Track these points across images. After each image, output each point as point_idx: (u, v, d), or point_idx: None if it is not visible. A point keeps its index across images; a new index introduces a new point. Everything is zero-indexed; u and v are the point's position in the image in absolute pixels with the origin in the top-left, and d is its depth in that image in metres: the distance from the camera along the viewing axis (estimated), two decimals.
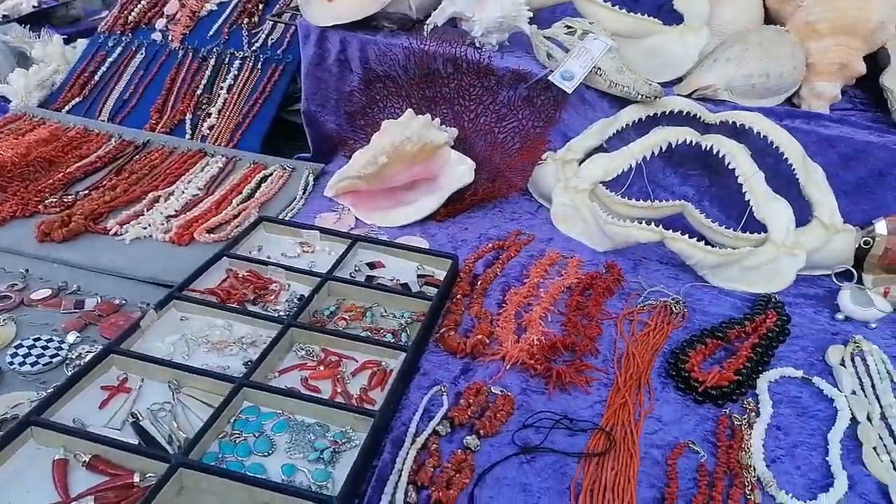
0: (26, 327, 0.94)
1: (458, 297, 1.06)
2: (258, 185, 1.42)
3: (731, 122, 1.28)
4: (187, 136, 1.61)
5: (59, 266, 1.09)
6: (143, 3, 1.83)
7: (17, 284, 1.02)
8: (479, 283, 1.11)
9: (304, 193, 1.42)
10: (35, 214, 1.22)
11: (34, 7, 2.68)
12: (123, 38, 1.78)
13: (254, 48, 1.73)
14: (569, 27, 1.42)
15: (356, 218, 1.35)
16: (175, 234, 1.19)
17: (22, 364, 0.87)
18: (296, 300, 1.03)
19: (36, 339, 0.91)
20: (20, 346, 0.89)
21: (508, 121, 1.45)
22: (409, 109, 1.36)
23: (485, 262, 1.19)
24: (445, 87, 1.48)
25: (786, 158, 1.24)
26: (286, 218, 1.32)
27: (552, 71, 1.38)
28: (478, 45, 1.47)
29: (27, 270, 1.05)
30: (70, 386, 0.80)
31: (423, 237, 1.29)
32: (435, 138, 1.34)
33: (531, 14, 1.46)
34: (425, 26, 1.49)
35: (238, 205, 1.33)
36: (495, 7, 1.43)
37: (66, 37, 2.12)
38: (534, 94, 1.43)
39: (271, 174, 1.46)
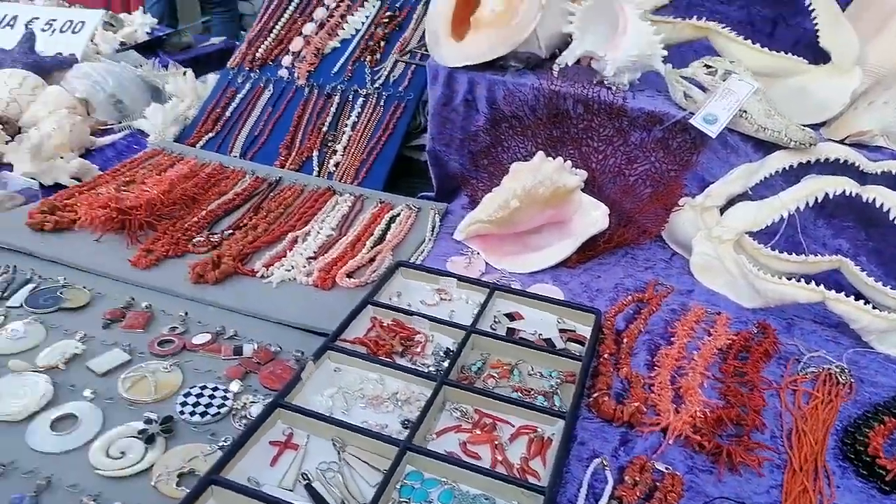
0: (190, 373, 0.98)
1: (605, 356, 1.03)
2: (388, 226, 1.44)
3: (894, 173, 1.20)
4: (315, 173, 1.65)
5: (213, 308, 1.13)
6: (269, 40, 1.90)
7: (177, 328, 1.07)
8: (624, 340, 1.08)
9: (432, 235, 1.43)
10: (185, 254, 1.28)
11: (148, 35, 2.85)
12: (252, 75, 1.86)
13: (376, 85, 1.76)
14: (709, 66, 1.37)
15: (486, 262, 1.35)
16: (318, 277, 1.22)
17: (192, 414, 0.90)
18: (442, 353, 1.03)
19: (202, 388, 0.94)
20: (188, 394, 0.93)
21: (640, 163, 1.42)
22: (541, 152, 1.34)
23: (625, 317, 1.16)
24: (574, 127, 1.46)
25: None
26: (418, 261, 1.33)
27: (692, 113, 1.33)
28: (608, 84, 1.45)
29: (186, 313, 1.10)
30: (243, 442, 0.82)
31: (556, 285, 1.26)
32: (567, 182, 1.32)
33: (666, 53, 1.42)
34: (554, 66, 1.47)
35: (371, 247, 1.35)
36: (629, 46, 1.40)
37: (176, 61, 2.25)
38: (669, 136, 1.39)
39: (399, 214, 1.48)
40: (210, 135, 1.76)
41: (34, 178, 1.46)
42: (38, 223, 1.27)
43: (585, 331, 1.09)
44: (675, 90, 1.40)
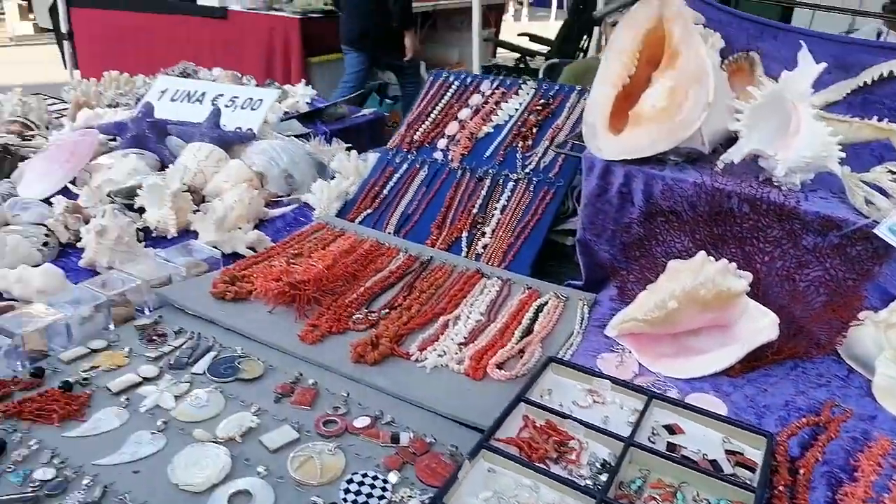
0: (352, 457, 1.01)
1: (780, 488, 0.96)
2: (536, 315, 1.44)
3: None
4: (463, 254, 1.70)
5: (371, 390, 1.18)
6: (426, 123, 2.01)
7: (340, 408, 1.12)
8: (800, 471, 0.99)
9: (580, 327, 1.41)
10: (346, 331, 1.35)
11: (308, 105, 3.11)
12: (409, 156, 1.96)
13: (527, 170, 1.80)
14: (894, 173, 1.28)
15: (639, 363, 1.30)
16: (469, 366, 1.24)
17: (355, 503, 0.93)
18: (598, 465, 1.00)
19: (364, 475, 0.97)
20: (350, 480, 0.96)
21: (812, 268, 1.33)
22: (702, 252, 1.30)
23: (799, 441, 1.07)
24: (737, 226, 1.40)
25: None
26: (567, 354, 1.32)
27: (875, 221, 1.24)
28: (777, 183, 1.39)
29: (348, 394, 1.15)
30: None
31: (717, 396, 1.20)
32: (732, 286, 1.26)
33: (843, 154, 1.35)
34: (718, 162, 1.44)
35: (521, 337, 1.35)
36: (802, 146, 1.34)
37: (332, 130, 2.43)
38: (847, 242, 1.30)
39: (547, 303, 1.48)
40: (368, 211, 1.87)
41: (216, 247, 1.61)
42: (221, 293, 1.39)
43: (754, 454, 1.02)
44: (855, 195, 1.31)
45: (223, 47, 5.13)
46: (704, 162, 1.50)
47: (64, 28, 6.26)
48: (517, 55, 6.63)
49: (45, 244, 1.53)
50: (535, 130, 1.88)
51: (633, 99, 1.54)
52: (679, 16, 1.46)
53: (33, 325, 1.18)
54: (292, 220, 1.88)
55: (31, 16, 10.18)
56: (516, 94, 1.97)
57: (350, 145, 2.38)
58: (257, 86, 3.20)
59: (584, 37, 6.23)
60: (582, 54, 6.32)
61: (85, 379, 1.12)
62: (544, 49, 6.71)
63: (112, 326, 1.28)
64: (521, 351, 1.31)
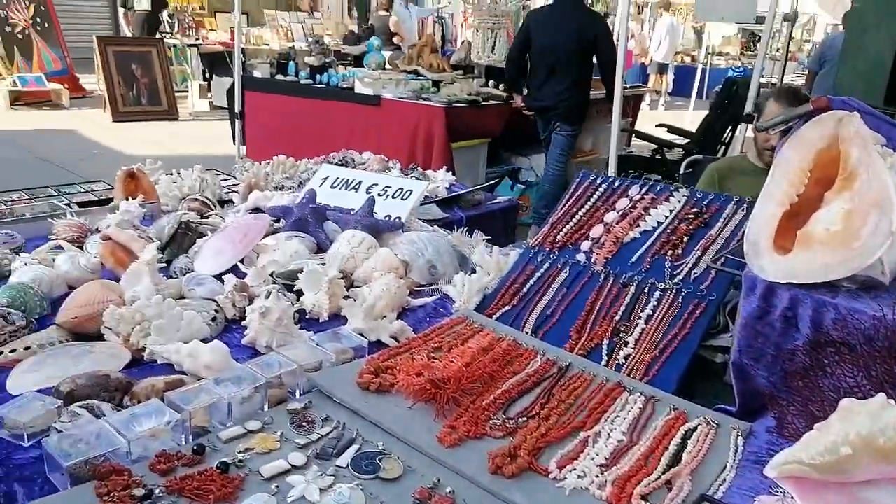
0: None
1: None
2: (683, 441, 1.35)
3: None
4: (603, 362, 1.65)
5: None
6: (571, 223, 2.01)
7: None
8: None
9: (734, 461, 1.31)
10: (483, 436, 1.33)
11: (447, 190, 3.22)
12: (551, 256, 1.97)
13: (675, 281, 1.74)
14: None
15: None
16: (612, 493, 1.18)
17: None
18: None
19: None
20: None
21: None
22: (882, 395, 1.16)
23: None
24: None
25: None
26: (718, 492, 1.22)
27: None
28: None
29: None
30: None
31: None
32: None
33: None
34: None
35: (666, 465, 1.27)
36: None
37: (468, 215, 2.49)
38: None
39: (695, 428, 1.39)
40: (507, 308, 1.88)
41: (362, 334, 1.67)
42: (366, 383, 1.44)
43: None
44: None
45: (375, 130, 5.53)
46: (882, 290, 1.37)
47: (237, 108, 7.04)
48: (654, 146, 6.56)
49: (214, 319, 1.67)
50: (685, 239, 1.82)
51: (799, 218, 1.46)
52: (857, 136, 1.38)
53: (200, 402, 1.27)
54: (432, 310, 1.93)
55: (209, 95, 11.58)
56: (667, 200, 1.93)
57: (489, 237, 2.43)
58: (402, 170, 3.40)
59: (727, 132, 6.08)
60: (723, 149, 6.15)
61: (240, 461, 1.18)
62: (681, 140, 6.60)
63: (266, 408, 1.36)
64: (668, 482, 1.23)
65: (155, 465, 1.16)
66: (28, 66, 10.95)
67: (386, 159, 3.52)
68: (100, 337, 1.60)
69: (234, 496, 1.11)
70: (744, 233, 1.56)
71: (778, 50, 8.28)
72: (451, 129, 5.30)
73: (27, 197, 2.89)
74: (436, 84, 5.91)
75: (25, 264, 1.89)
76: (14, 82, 10.52)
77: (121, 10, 12.71)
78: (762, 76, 5.95)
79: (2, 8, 10.56)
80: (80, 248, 2.08)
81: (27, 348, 1.55)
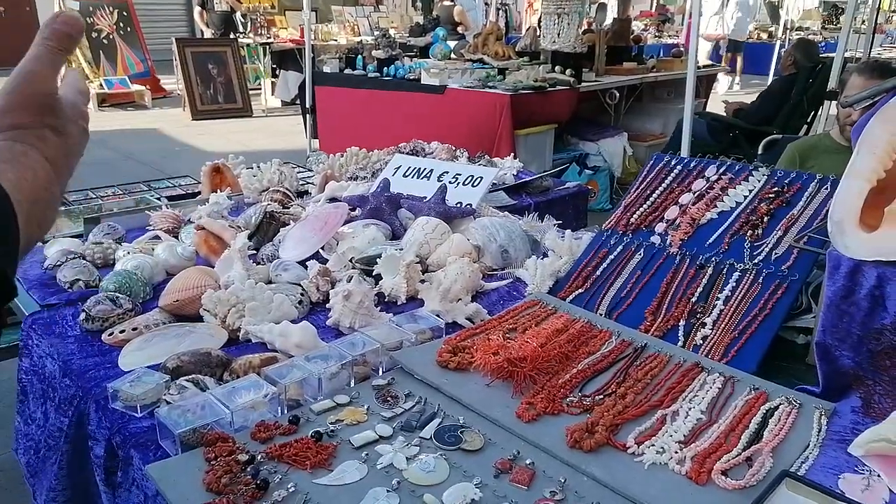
0: None
1: None
2: (764, 420, 1.34)
3: None
4: (679, 343, 1.65)
5: (586, 479, 1.18)
6: (644, 206, 2.00)
7: (556, 493, 1.13)
8: None
9: (817, 440, 1.29)
10: (560, 413, 1.37)
11: (514, 177, 3.23)
12: (624, 238, 1.97)
13: (756, 261, 1.71)
14: None
15: (890, 490, 1.16)
16: (692, 469, 1.19)
17: None
18: None
19: None
20: None
21: None
22: None
23: None
24: None
25: None
26: (801, 469, 1.21)
27: None
28: None
29: (564, 480, 1.16)
30: None
31: None
32: None
33: None
34: None
35: (747, 442, 1.27)
36: None
37: (536, 202, 2.50)
38: None
39: (777, 408, 1.38)
40: (580, 290, 1.90)
41: (439, 316, 1.73)
42: (445, 361, 1.50)
43: None
44: None
45: (440, 119, 5.59)
46: None
47: (308, 104, 7.25)
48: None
49: (300, 302, 1.77)
50: (766, 219, 1.78)
51: (885, 196, 1.42)
52: None
53: (293, 377, 1.36)
54: (506, 293, 1.97)
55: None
56: (746, 180, 1.89)
57: (560, 222, 2.44)
58: (470, 158, 3.44)
59: (812, 113, 5.80)
60: (806, 128, 5.88)
61: (332, 431, 1.26)
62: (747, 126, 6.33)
63: (353, 383, 1.43)
64: (749, 458, 1.23)
65: (255, 434, 1.26)
66: (113, 69, 11.58)
67: (453, 148, 3.56)
68: (199, 318, 1.72)
69: (329, 462, 1.19)
70: (827, 211, 1.52)
71: (864, 22, 7.79)
72: (517, 116, 5.29)
73: (121, 192, 3.11)
74: (501, 72, 5.90)
75: (128, 253, 2.05)
76: (101, 85, 11.17)
77: (196, 9, 13.22)
78: (846, 50, 5.64)
79: (88, 15, 11.20)
80: (176, 237, 2.24)
81: (134, 329, 1.69)
